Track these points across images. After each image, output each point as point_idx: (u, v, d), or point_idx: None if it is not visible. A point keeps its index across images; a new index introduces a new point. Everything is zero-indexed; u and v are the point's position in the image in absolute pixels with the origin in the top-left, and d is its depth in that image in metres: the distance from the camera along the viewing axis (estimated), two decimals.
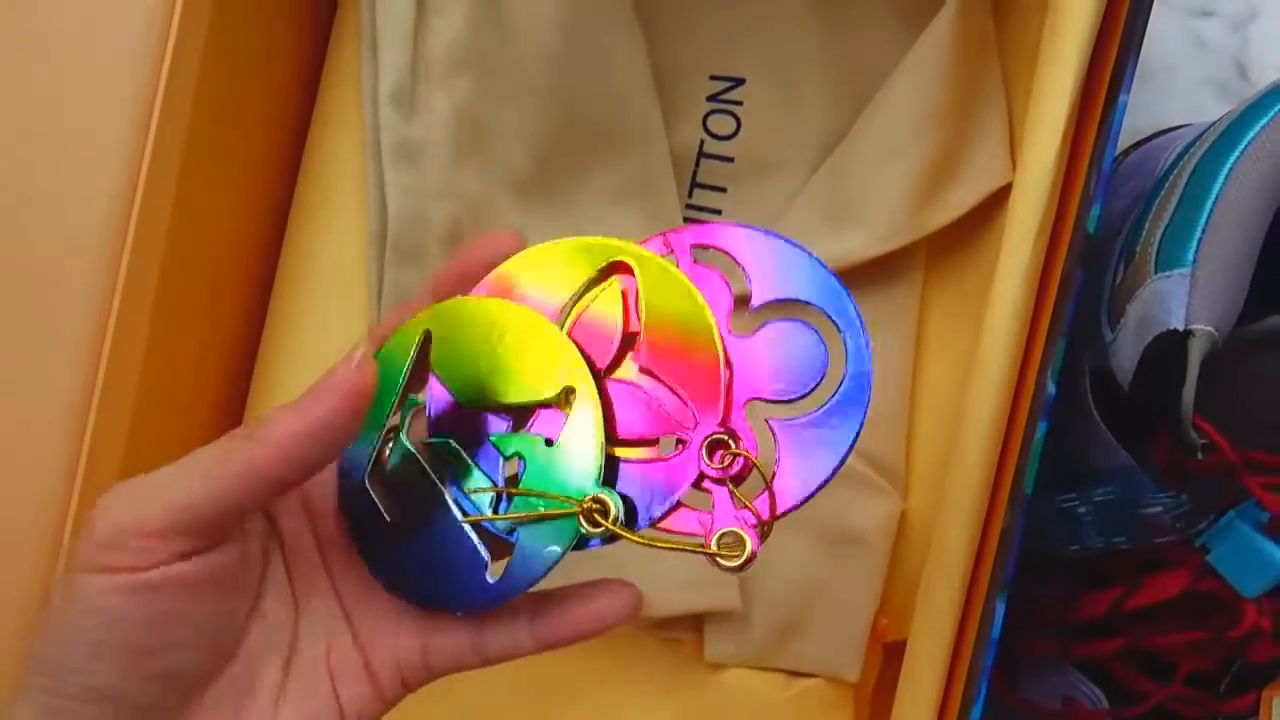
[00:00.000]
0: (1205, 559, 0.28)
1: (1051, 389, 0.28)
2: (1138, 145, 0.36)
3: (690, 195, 0.36)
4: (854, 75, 0.35)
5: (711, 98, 0.36)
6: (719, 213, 0.36)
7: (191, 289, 0.33)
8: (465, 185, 0.36)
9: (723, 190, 0.36)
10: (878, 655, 0.35)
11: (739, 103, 0.36)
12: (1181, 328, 0.24)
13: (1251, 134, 0.26)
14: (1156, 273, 0.26)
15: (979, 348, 0.30)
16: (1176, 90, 0.40)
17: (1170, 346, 0.25)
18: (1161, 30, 0.40)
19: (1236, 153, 0.26)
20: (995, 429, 0.29)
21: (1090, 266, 0.29)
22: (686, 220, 0.36)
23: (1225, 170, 0.26)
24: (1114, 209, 0.32)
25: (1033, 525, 0.29)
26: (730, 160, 0.36)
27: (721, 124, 0.36)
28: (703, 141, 0.36)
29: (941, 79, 0.33)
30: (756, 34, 0.36)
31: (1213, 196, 0.26)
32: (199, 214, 0.32)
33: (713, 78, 0.36)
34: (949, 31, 0.33)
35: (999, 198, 0.34)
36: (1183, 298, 0.25)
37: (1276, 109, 0.26)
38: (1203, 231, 0.25)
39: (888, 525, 0.34)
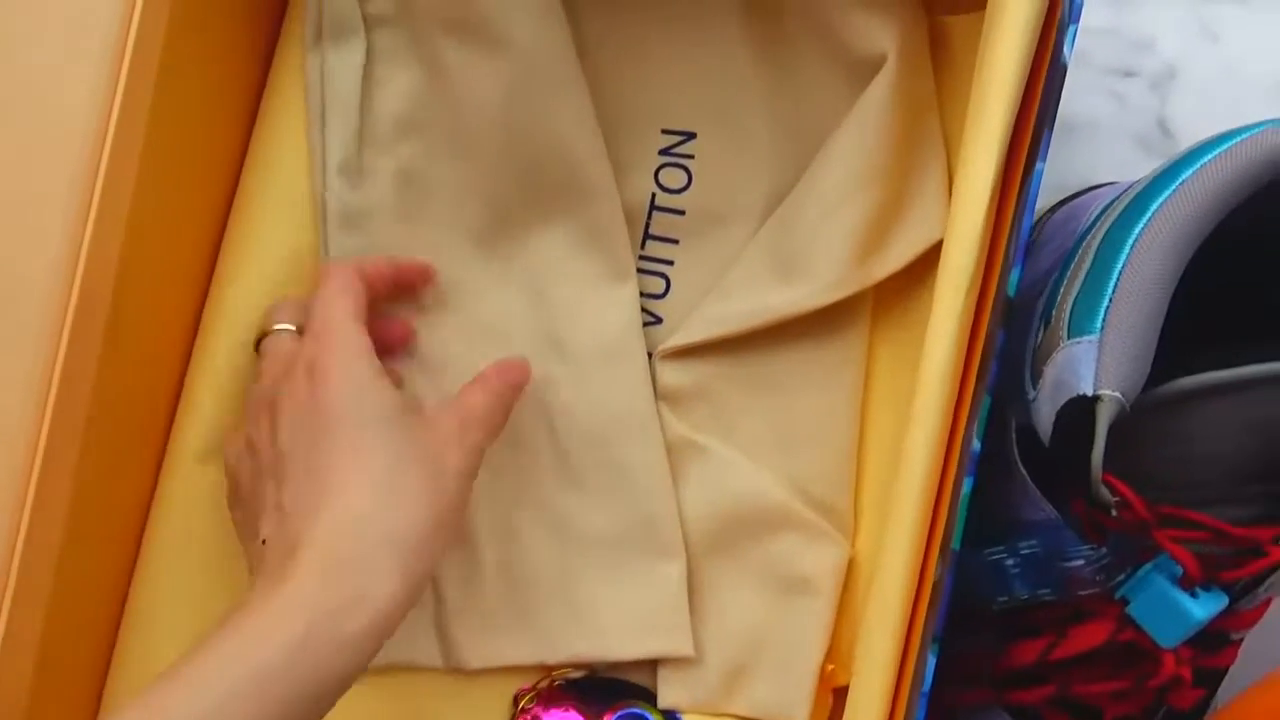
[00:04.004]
0: (1125, 610, 0.29)
1: (976, 445, 0.29)
2: (1063, 203, 0.38)
3: (643, 247, 0.37)
4: (802, 131, 0.36)
5: (663, 151, 0.37)
6: (671, 264, 0.37)
7: (147, 294, 0.34)
8: (417, 243, 0.37)
9: (675, 242, 0.37)
10: (827, 700, 0.36)
11: (690, 156, 0.37)
12: (1090, 393, 0.26)
13: (1156, 204, 0.27)
14: (1069, 338, 0.27)
15: (912, 404, 0.31)
16: (1102, 147, 0.42)
17: (1080, 411, 0.26)
18: (1086, 89, 0.42)
19: (1143, 222, 0.27)
20: (928, 483, 0.30)
21: (1012, 327, 0.31)
22: (639, 270, 0.37)
23: (1132, 239, 0.27)
24: (1039, 266, 0.34)
25: (963, 578, 0.30)
26: (682, 213, 0.37)
27: (673, 177, 0.37)
28: (654, 195, 0.37)
29: (882, 135, 0.34)
30: (707, 88, 0.37)
31: (1120, 264, 0.27)
32: (155, 219, 0.33)
33: (664, 131, 0.37)
34: (890, 88, 0.34)
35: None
36: (1091, 364, 0.26)
37: (1180, 180, 0.28)
38: (1110, 300, 0.26)
39: (837, 571, 0.35)
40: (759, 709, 0.35)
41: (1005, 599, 0.30)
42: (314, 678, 0.25)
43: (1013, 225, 0.31)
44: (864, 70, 0.35)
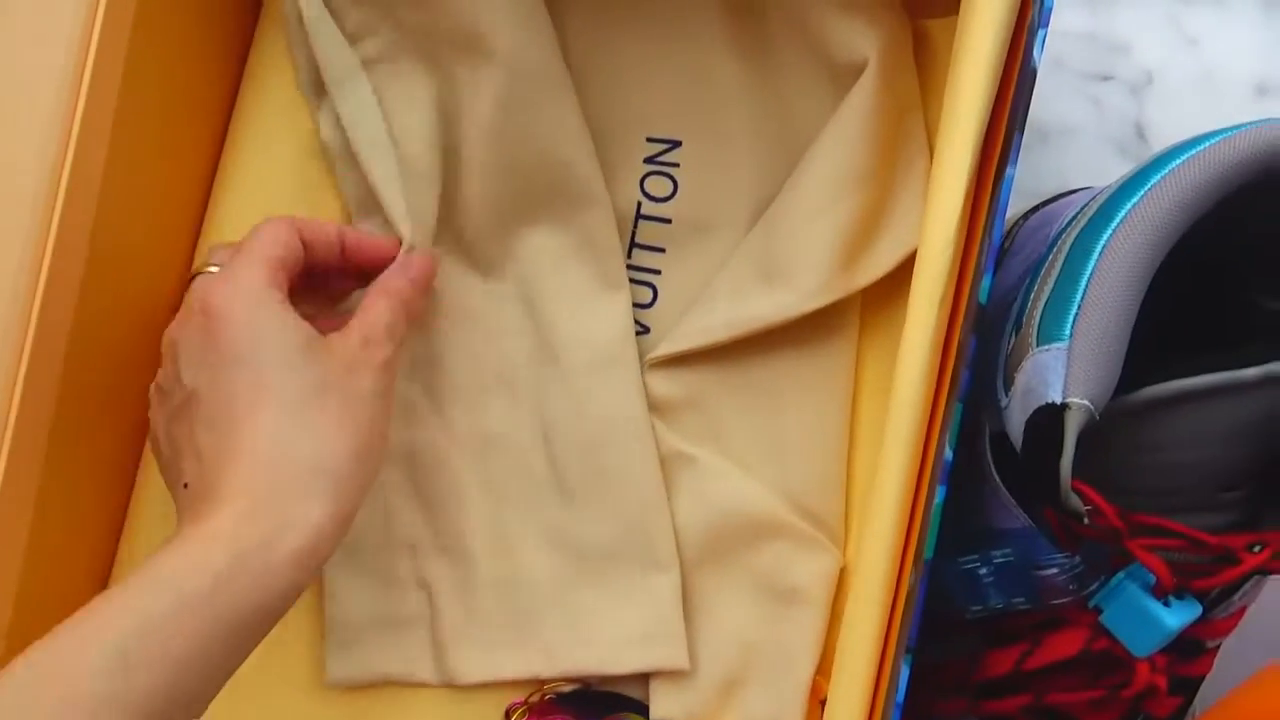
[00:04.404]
0: (1099, 619, 0.29)
1: (949, 454, 0.29)
2: (1037, 208, 0.37)
3: (630, 256, 0.37)
4: (786, 137, 0.36)
5: (649, 159, 0.37)
6: (659, 273, 0.37)
7: (119, 279, 0.33)
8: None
9: (661, 251, 0.37)
10: (817, 712, 0.35)
11: (675, 164, 0.37)
12: (1059, 401, 0.25)
13: (1123, 212, 0.27)
14: (1038, 346, 0.27)
15: (889, 413, 0.31)
16: (1079, 152, 0.42)
17: (1049, 418, 0.26)
18: (1063, 94, 0.42)
19: (1110, 228, 0.27)
20: (903, 494, 0.30)
21: (984, 334, 0.30)
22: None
23: (1100, 246, 0.27)
24: (1011, 273, 0.34)
25: (937, 587, 0.30)
26: (668, 221, 0.37)
27: (659, 186, 0.37)
28: (640, 203, 0.37)
29: (865, 139, 0.34)
30: (692, 95, 0.37)
31: (1088, 272, 0.27)
32: (126, 205, 0.33)
33: (650, 139, 0.37)
34: (872, 93, 0.34)
35: None
36: (1060, 371, 0.26)
37: (1147, 186, 0.27)
38: (1078, 307, 0.26)
39: (828, 581, 0.35)
40: (752, 719, 0.35)
41: (980, 608, 0.30)
42: (240, 604, 0.25)
43: (984, 231, 0.31)
44: (847, 74, 0.35)
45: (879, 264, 0.35)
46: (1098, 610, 0.29)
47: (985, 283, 0.30)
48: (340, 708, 0.37)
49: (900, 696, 0.29)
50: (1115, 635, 0.28)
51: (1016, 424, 0.28)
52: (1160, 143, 0.42)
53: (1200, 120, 0.32)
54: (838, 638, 0.35)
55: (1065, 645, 0.29)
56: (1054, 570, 0.28)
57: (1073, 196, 0.36)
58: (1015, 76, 0.31)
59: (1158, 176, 0.27)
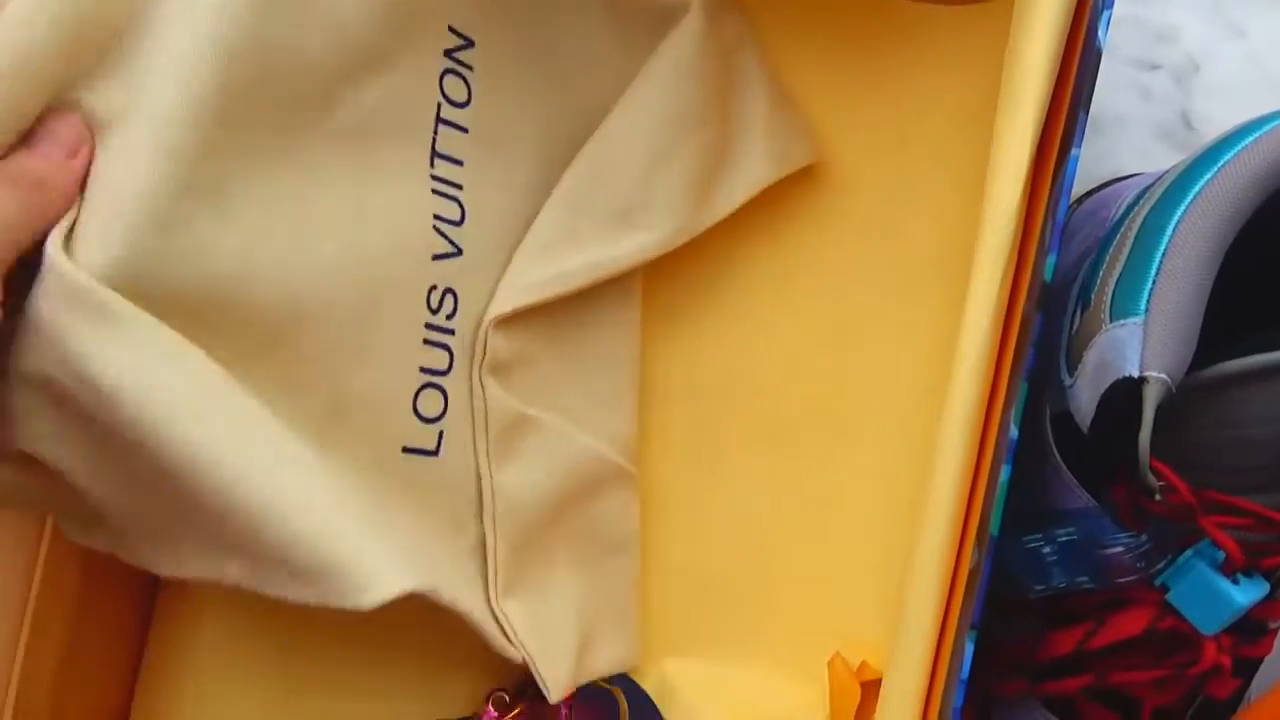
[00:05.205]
0: (1165, 598, 0.28)
1: (1014, 432, 0.29)
2: (1090, 193, 0.37)
3: (433, 164, 0.31)
4: (576, 72, 0.35)
5: (448, 52, 0.32)
6: (461, 188, 0.32)
7: None
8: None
9: (460, 164, 0.32)
10: (856, 693, 0.35)
11: (469, 66, 0.33)
12: (1136, 374, 0.25)
13: (1197, 187, 0.27)
14: (1111, 321, 0.27)
15: (949, 390, 0.30)
16: (1127, 139, 0.42)
17: (1126, 393, 0.26)
18: (1112, 82, 0.42)
19: (1184, 205, 0.27)
20: (963, 472, 0.30)
21: (1048, 313, 0.30)
22: (433, 191, 0.31)
23: (1174, 222, 0.27)
24: (1069, 255, 0.34)
25: (1001, 566, 0.30)
26: (465, 130, 0.32)
27: (456, 87, 0.32)
28: (440, 105, 0.32)
29: (697, 79, 0.34)
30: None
31: (1162, 247, 0.27)
32: None
33: (451, 29, 0.32)
34: (696, 35, 0.34)
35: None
36: (1137, 346, 0.26)
37: (1220, 163, 0.27)
38: (1153, 282, 0.26)
39: (637, 517, 0.36)
40: (607, 668, 0.35)
41: (1043, 587, 0.30)
42: None
43: (1048, 210, 0.31)
44: (658, 15, 0.34)
45: (729, 201, 0.35)
46: (1164, 589, 0.28)
47: (1050, 261, 0.30)
48: (318, 684, 0.36)
49: (965, 673, 0.29)
50: (1183, 613, 0.28)
51: (1086, 401, 0.28)
52: (1206, 129, 0.42)
53: (1247, 109, 0.32)
54: (876, 618, 0.36)
55: (1130, 624, 0.29)
56: (1120, 549, 0.28)
57: (1127, 181, 0.36)
58: (1077, 56, 0.31)
59: (1230, 154, 0.27)
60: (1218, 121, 0.42)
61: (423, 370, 0.31)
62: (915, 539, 0.31)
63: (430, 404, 0.31)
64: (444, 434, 0.32)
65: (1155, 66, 0.42)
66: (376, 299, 0.29)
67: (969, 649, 0.29)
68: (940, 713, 0.29)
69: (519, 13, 0.34)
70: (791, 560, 0.36)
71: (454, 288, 0.32)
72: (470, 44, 0.32)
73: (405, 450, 0.31)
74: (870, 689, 0.35)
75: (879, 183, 0.38)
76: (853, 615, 0.36)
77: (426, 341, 0.31)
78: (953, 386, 0.30)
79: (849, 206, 0.38)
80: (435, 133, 0.32)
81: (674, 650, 0.37)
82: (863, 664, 0.35)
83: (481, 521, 0.33)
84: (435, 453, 0.31)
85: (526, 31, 0.34)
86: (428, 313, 0.31)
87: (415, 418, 0.31)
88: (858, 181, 0.38)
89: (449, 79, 0.32)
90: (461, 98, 0.32)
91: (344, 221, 0.29)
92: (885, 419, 0.36)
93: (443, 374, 0.32)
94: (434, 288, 0.31)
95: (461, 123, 0.32)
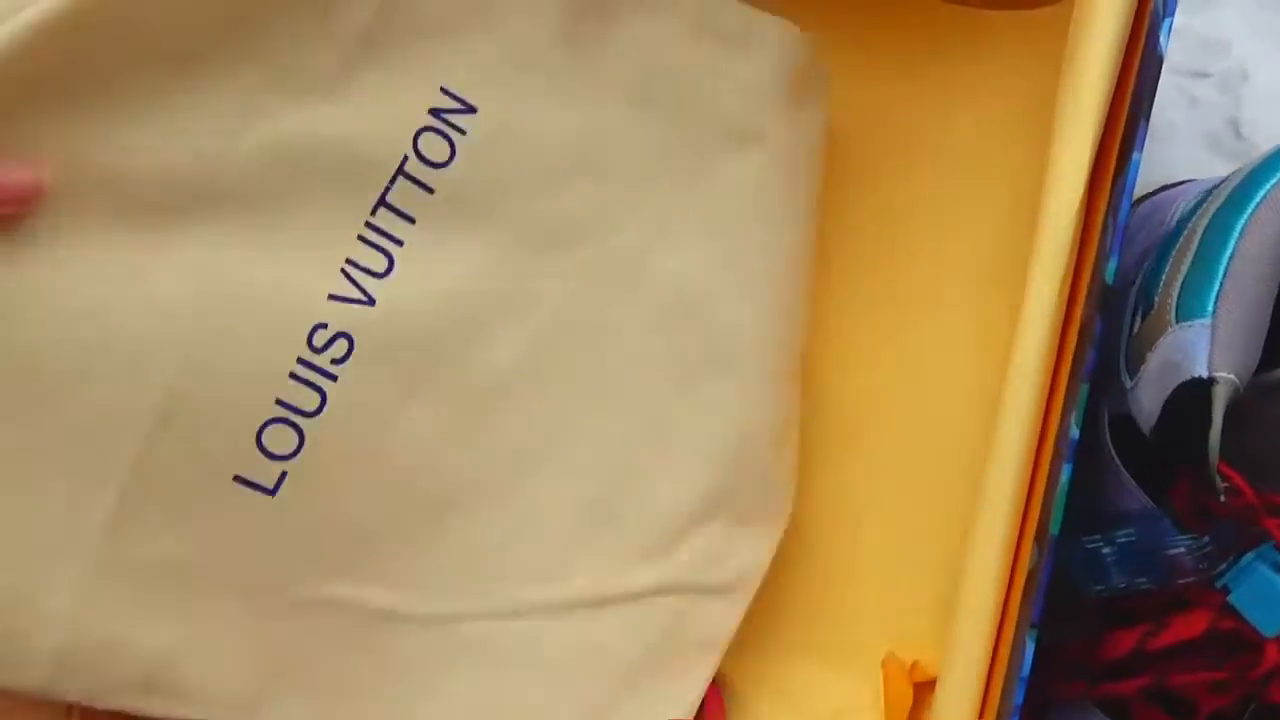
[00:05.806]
0: (1226, 599, 0.29)
1: (1075, 432, 0.29)
2: (1145, 198, 0.38)
3: (374, 213, 0.30)
4: (601, 159, 0.33)
5: (434, 111, 0.31)
6: (401, 244, 0.31)
7: None
8: None
9: (410, 221, 0.31)
10: (909, 694, 0.36)
11: (462, 131, 0.31)
12: (1205, 375, 0.26)
13: (1264, 190, 0.27)
14: (1177, 322, 0.27)
15: (1005, 390, 0.31)
16: (1176, 147, 0.42)
17: (1193, 394, 0.26)
18: (1162, 90, 0.42)
19: (1251, 207, 0.27)
20: (1022, 468, 0.30)
21: (1108, 316, 0.31)
22: (360, 238, 0.30)
23: (1240, 224, 0.27)
24: (1126, 260, 0.34)
25: (1060, 566, 0.30)
26: (430, 191, 0.31)
27: (434, 146, 0.31)
28: (407, 157, 0.30)
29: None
30: (511, 74, 0.32)
31: (1229, 250, 0.27)
32: None
33: (444, 90, 0.31)
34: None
35: None
36: (1204, 347, 0.26)
37: None
38: (1221, 283, 0.26)
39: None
40: None
41: (1102, 588, 0.30)
42: None
43: (1109, 213, 0.31)
44: (721, 136, 0.33)
45: None
46: (1225, 590, 0.29)
47: (1111, 264, 0.30)
48: None
49: (1025, 672, 0.29)
50: (1244, 615, 0.28)
51: (1149, 403, 0.28)
52: (1255, 137, 0.42)
53: None
54: (924, 619, 0.36)
55: (1190, 626, 0.29)
56: (1181, 550, 0.28)
57: (1181, 187, 0.36)
58: (1136, 62, 0.32)
59: None
60: (1267, 130, 0.42)
61: (279, 403, 0.29)
62: (970, 539, 0.31)
63: (279, 440, 0.30)
64: (287, 475, 0.30)
65: (1204, 75, 0.42)
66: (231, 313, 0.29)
67: (1030, 647, 0.29)
68: (999, 713, 0.29)
69: (542, 95, 0.32)
70: (845, 558, 0.37)
71: (352, 335, 0.30)
72: (469, 109, 0.31)
73: (236, 480, 0.29)
74: (922, 689, 0.35)
75: (931, 189, 0.38)
76: (907, 614, 0.36)
77: (294, 376, 0.29)
78: (1008, 386, 0.30)
79: (900, 211, 0.38)
80: (391, 184, 0.30)
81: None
82: (915, 664, 0.35)
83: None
84: (272, 492, 0.30)
85: (551, 118, 0.32)
86: (306, 349, 0.29)
87: (257, 448, 0.29)
88: (908, 188, 0.38)
89: (428, 136, 0.31)
90: (440, 158, 0.31)
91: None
92: (940, 419, 0.37)
93: (306, 415, 0.30)
94: (322, 325, 0.30)
95: (429, 182, 0.31)
